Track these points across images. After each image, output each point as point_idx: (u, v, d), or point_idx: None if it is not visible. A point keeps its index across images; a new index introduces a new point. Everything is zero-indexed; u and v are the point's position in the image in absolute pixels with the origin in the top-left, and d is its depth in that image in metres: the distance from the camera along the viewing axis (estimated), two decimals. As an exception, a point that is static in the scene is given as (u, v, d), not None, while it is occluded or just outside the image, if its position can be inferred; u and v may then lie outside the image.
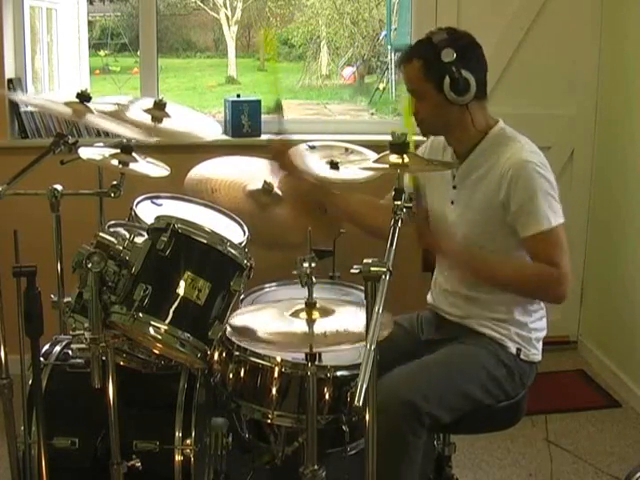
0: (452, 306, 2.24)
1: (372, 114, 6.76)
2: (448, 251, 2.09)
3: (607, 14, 3.64)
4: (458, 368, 2.08)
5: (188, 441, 2.11)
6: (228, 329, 1.94)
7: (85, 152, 2.44)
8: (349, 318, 1.88)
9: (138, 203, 2.56)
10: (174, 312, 1.89)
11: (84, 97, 2.24)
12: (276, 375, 2.12)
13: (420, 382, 2.01)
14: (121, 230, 2.23)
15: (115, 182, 2.42)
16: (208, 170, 2.67)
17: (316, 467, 1.92)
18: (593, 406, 3.42)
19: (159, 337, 1.90)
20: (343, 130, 3.71)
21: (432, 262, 2.34)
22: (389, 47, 6.86)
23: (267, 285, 2.62)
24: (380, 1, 7.43)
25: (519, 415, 2.21)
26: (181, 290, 1.90)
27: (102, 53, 8.20)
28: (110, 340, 1.89)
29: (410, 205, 1.71)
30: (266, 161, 2.41)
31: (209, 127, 2.70)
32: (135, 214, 2.47)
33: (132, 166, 2.41)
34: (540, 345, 2.20)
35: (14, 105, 3.47)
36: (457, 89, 2.02)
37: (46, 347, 2.26)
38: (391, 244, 1.64)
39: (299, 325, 1.85)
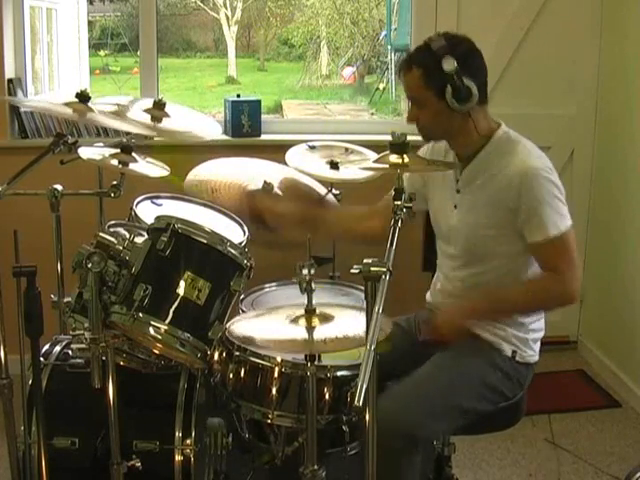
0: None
1: (372, 114, 6.75)
2: (469, 317, 2.09)
3: (607, 14, 3.64)
4: (453, 384, 2.05)
5: (188, 441, 2.11)
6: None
7: (85, 152, 2.43)
8: (349, 323, 1.87)
9: (138, 203, 2.56)
10: (174, 312, 1.89)
11: (83, 97, 2.24)
12: (276, 375, 2.12)
13: (416, 408, 1.98)
14: (121, 230, 2.23)
15: (115, 182, 2.42)
16: (208, 170, 2.67)
17: (316, 467, 1.92)
18: (593, 406, 3.41)
19: (159, 337, 1.90)
20: (343, 130, 3.70)
21: (432, 262, 2.34)
22: (389, 47, 6.85)
23: (267, 285, 2.63)
24: (380, 1, 7.42)
25: (519, 416, 2.21)
26: (181, 290, 1.90)
27: (102, 53, 8.19)
28: (110, 340, 1.90)
29: (410, 205, 1.71)
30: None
31: (209, 127, 2.71)
32: (135, 214, 2.47)
33: (132, 166, 2.41)
34: (537, 346, 2.19)
35: (14, 105, 3.47)
36: (460, 98, 1.99)
37: (46, 347, 2.26)
38: (391, 244, 1.64)
39: (299, 332, 1.85)
